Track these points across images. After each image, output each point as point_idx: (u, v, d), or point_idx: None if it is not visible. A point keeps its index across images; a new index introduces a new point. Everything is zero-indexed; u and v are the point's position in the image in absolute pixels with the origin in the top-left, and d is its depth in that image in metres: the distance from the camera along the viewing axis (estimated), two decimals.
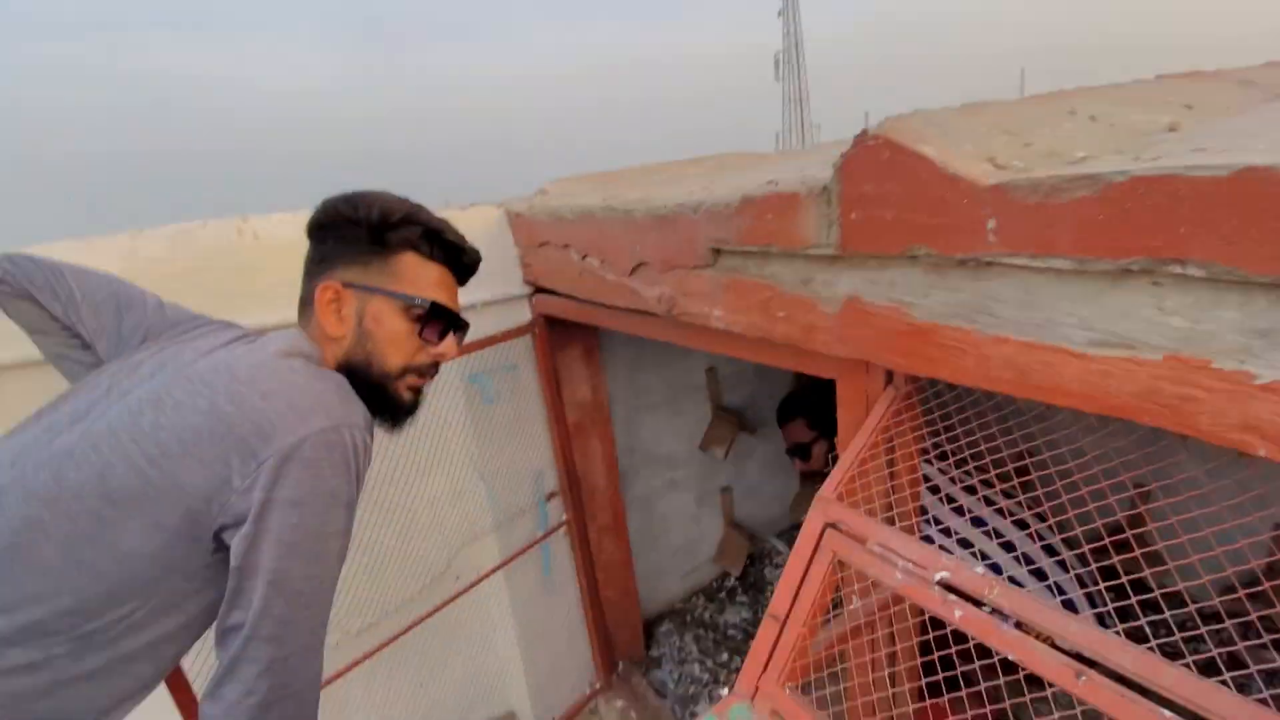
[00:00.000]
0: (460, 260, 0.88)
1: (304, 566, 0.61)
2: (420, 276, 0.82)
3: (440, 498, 1.67)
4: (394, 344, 0.80)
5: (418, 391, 0.85)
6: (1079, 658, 0.47)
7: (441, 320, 0.83)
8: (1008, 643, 0.50)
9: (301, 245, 0.95)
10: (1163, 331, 0.44)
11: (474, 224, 1.51)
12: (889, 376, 0.73)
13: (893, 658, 0.80)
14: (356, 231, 0.80)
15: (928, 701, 0.66)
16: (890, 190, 0.57)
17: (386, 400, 0.82)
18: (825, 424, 1.72)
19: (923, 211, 0.55)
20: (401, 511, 1.61)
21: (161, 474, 0.60)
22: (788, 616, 0.66)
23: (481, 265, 1.39)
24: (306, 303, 0.82)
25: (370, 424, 0.73)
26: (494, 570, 1.69)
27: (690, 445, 2.41)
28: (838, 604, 0.73)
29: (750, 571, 2.52)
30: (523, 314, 1.64)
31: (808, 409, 1.82)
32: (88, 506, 0.59)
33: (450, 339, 0.85)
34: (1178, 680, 0.42)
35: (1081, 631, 0.46)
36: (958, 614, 0.53)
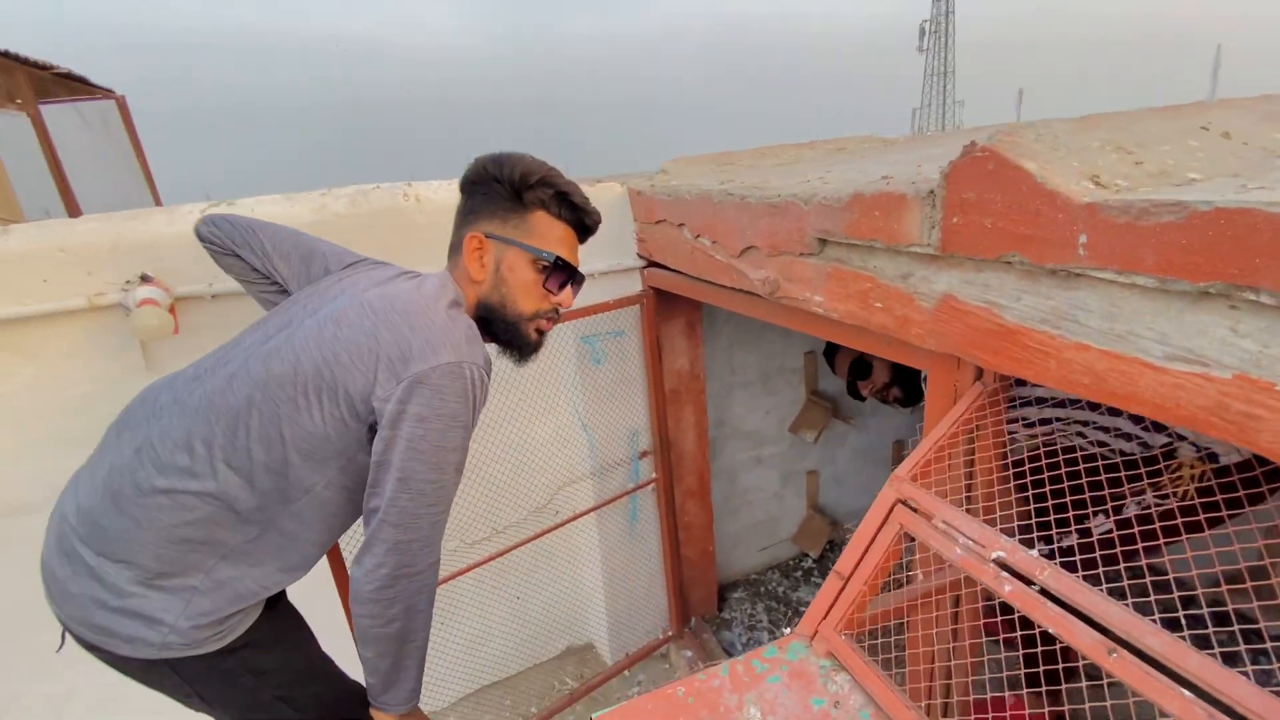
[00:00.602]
0: (584, 222, 0.99)
1: (425, 470, 0.76)
2: (549, 233, 0.95)
3: (548, 442, 1.86)
4: (524, 290, 0.94)
5: (542, 334, 0.98)
6: (1112, 639, 0.52)
7: (563, 273, 0.95)
8: (1050, 618, 0.56)
9: (451, 208, 1.12)
10: (1234, 353, 0.47)
11: (598, 199, 1.64)
12: (979, 372, 0.77)
13: (955, 634, 0.86)
14: (499, 189, 0.93)
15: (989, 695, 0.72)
16: (992, 199, 0.62)
17: (516, 338, 0.96)
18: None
19: (1020, 222, 0.60)
20: (515, 449, 1.81)
21: (334, 376, 0.76)
22: (851, 575, 0.74)
23: (599, 237, 1.54)
24: (455, 249, 0.96)
25: (489, 363, 0.86)
26: (587, 512, 1.86)
27: (780, 425, 2.46)
28: (899, 575, 0.80)
29: (829, 556, 2.56)
30: (634, 285, 1.76)
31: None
32: (286, 393, 0.77)
33: (568, 290, 0.98)
34: (1201, 665, 0.47)
35: (1117, 613, 0.51)
36: (1007, 589, 0.59)
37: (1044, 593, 0.58)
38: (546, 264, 0.94)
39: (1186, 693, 0.47)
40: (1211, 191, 0.49)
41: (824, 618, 0.74)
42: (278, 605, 0.92)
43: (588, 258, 1.44)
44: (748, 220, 1.11)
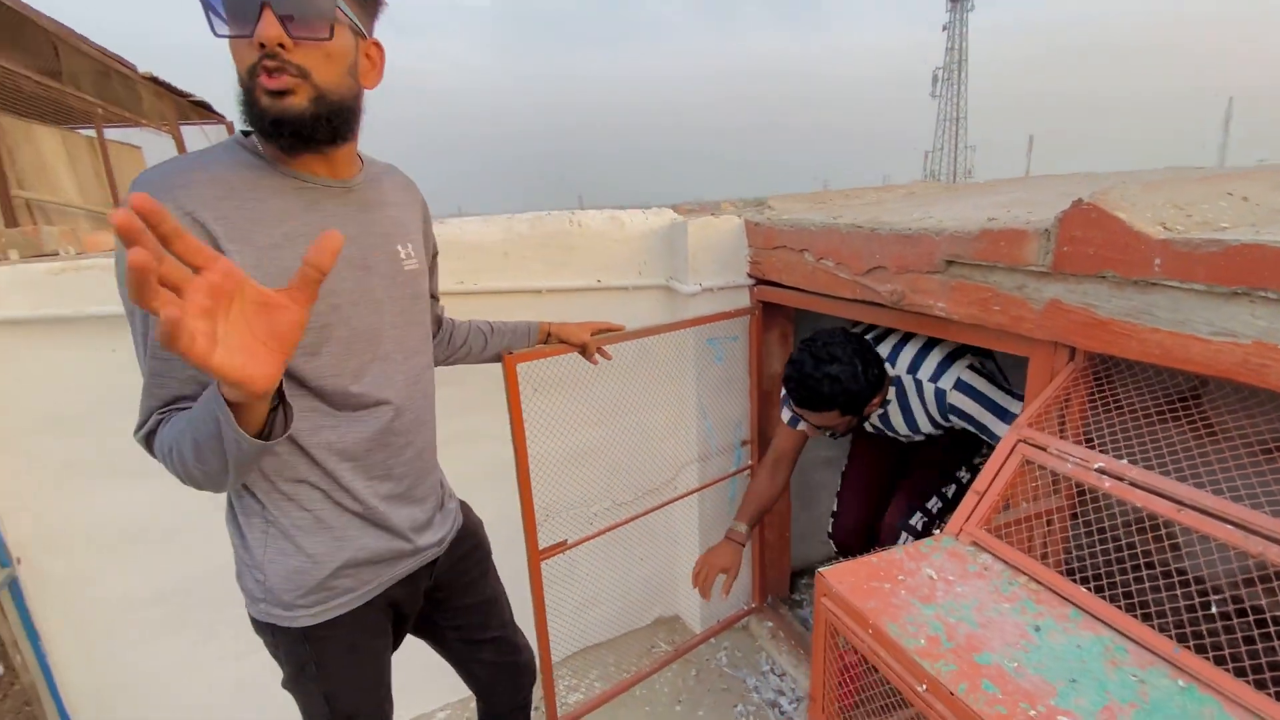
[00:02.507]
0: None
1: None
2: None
3: (663, 428, 2.20)
4: (235, 53, 0.76)
5: (275, 89, 0.75)
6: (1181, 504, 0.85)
7: (236, 9, 0.73)
8: (1137, 496, 0.89)
9: (600, 234, 1.48)
10: (1253, 328, 0.81)
11: (719, 228, 2.01)
12: (1071, 354, 1.11)
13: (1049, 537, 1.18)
14: None
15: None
16: (1092, 236, 0.97)
17: (248, 113, 0.78)
18: (859, 407, 1.55)
19: (1113, 251, 0.94)
20: (634, 433, 2.15)
21: None
22: (985, 492, 1.07)
23: (718, 258, 1.96)
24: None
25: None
26: (692, 492, 2.18)
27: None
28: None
29: None
30: (743, 299, 2.11)
31: (845, 402, 1.52)
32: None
33: (267, 15, 0.72)
34: (1259, 519, 0.79)
35: (1182, 489, 0.84)
36: (1107, 483, 0.92)
37: (1131, 484, 0.91)
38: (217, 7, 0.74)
39: (1232, 527, 0.80)
40: (1237, 234, 0.84)
41: (965, 521, 1.07)
42: None
43: (710, 273, 1.86)
44: (876, 246, 1.46)
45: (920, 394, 1.58)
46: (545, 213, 1.93)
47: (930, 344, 1.58)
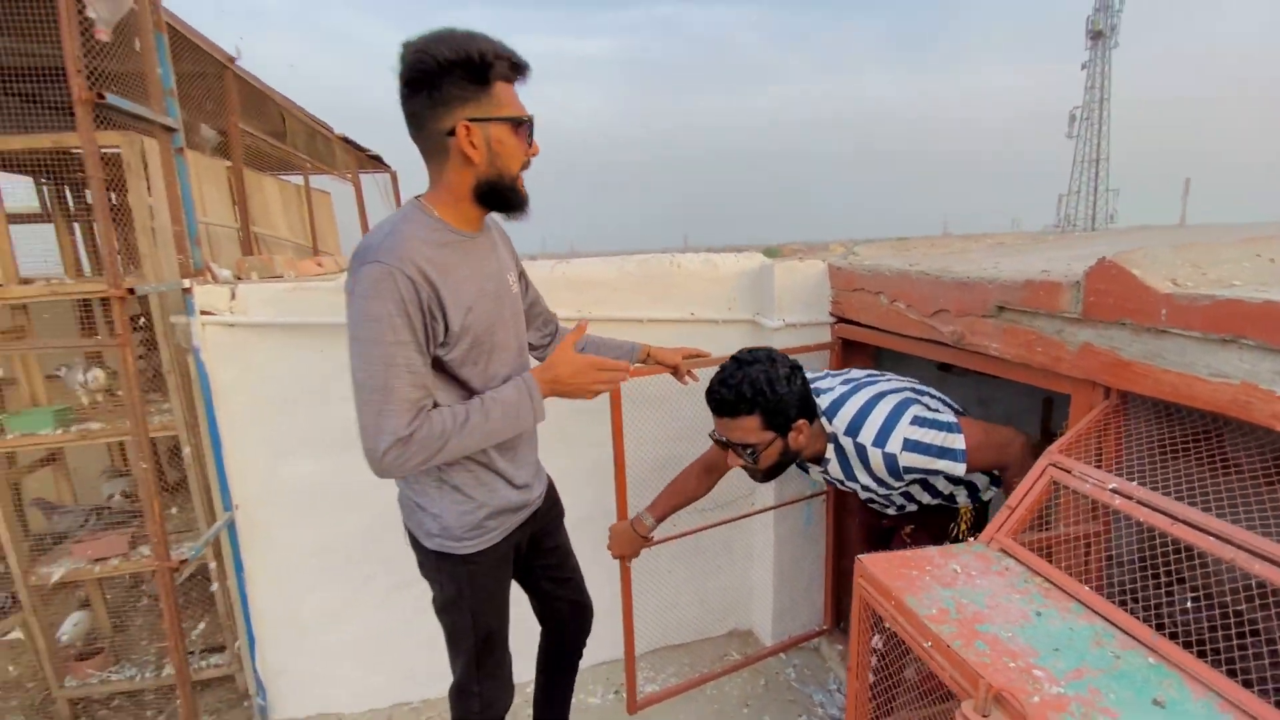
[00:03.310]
0: (522, 69, 1.10)
1: (354, 361, 1.07)
2: (511, 98, 1.09)
3: None
4: (512, 156, 1.10)
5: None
6: (1175, 520, 0.98)
7: (529, 127, 1.11)
8: (1140, 512, 1.03)
9: (697, 275, 1.74)
10: (1240, 370, 0.95)
11: (806, 271, 2.24)
12: (1106, 392, 1.25)
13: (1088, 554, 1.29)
14: (462, 75, 1.02)
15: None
16: (1112, 288, 1.13)
17: (516, 198, 1.14)
18: (780, 423, 1.48)
19: (1129, 302, 1.10)
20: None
21: None
22: (1015, 508, 1.23)
23: (802, 297, 2.18)
24: (440, 148, 1.08)
25: (411, 255, 1.05)
26: (768, 509, 2.37)
27: None
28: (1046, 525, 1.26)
29: None
30: (824, 335, 2.31)
31: (764, 404, 1.45)
32: None
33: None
34: (1242, 536, 0.93)
35: (1178, 507, 0.98)
36: (1117, 501, 1.07)
37: (1138, 502, 1.05)
38: (525, 126, 1.10)
39: (1212, 538, 0.93)
40: (1233, 291, 0.98)
41: (996, 531, 1.23)
42: None
43: (795, 310, 2.09)
44: (940, 292, 1.64)
45: (865, 459, 1.51)
46: (650, 255, 2.26)
47: (871, 403, 1.52)
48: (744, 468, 1.57)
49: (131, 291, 1.62)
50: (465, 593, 1.31)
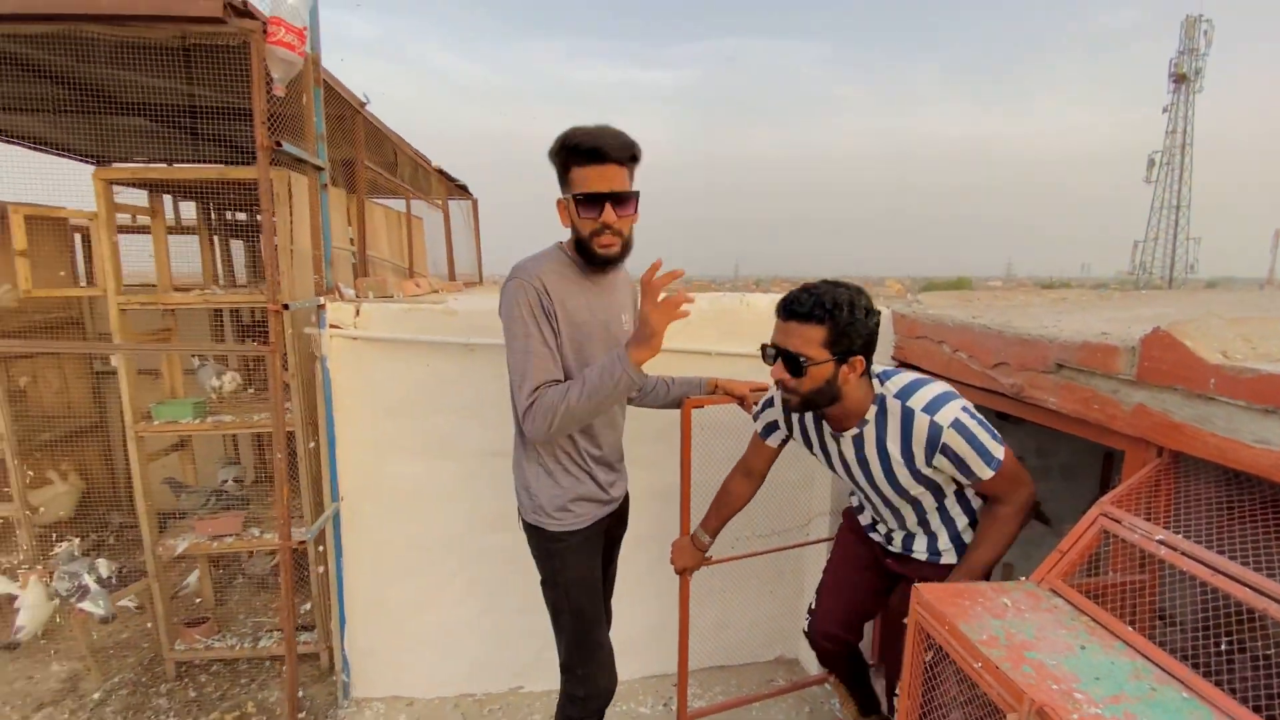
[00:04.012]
0: (602, 152, 1.33)
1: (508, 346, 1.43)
2: (582, 180, 1.36)
3: (798, 480, 2.54)
4: (580, 223, 1.40)
5: (605, 246, 1.41)
6: (1218, 572, 1.08)
7: (595, 202, 1.35)
8: (1182, 563, 1.12)
9: (769, 312, 1.91)
10: None
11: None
12: (1159, 451, 1.35)
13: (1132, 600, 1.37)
14: (555, 167, 1.41)
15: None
16: (1166, 356, 1.24)
17: (588, 252, 1.42)
18: (843, 348, 1.42)
19: (1181, 369, 1.21)
20: (774, 479, 2.51)
21: None
22: (1066, 552, 1.33)
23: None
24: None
25: (541, 273, 1.40)
26: (822, 540, 2.47)
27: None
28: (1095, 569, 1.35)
29: None
30: None
31: (837, 320, 1.40)
32: None
33: (608, 209, 1.35)
34: (1263, 582, 1.02)
35: (1220, 560, 1.07)
36: (1163, 551, 1.16)
37: (1182, 553, 1.14)
38: (580, 200, 1.37)
39: (1248, 590, 1.02)
40: (1273, 367, 1.08)
41: (1047, 573, 1.33)
42: None
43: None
44: (1002, 346, 1.75)
45: (908, 425, 1.46)
46: (721, 293, 2.44)
47: (926, 380, 1.51)
48: (783, 385, 1.50)
49: (286, 307, 1.90)
50: (558, 568, 1.55)
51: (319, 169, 2.13)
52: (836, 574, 1.95)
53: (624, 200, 1.38)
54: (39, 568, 2.58)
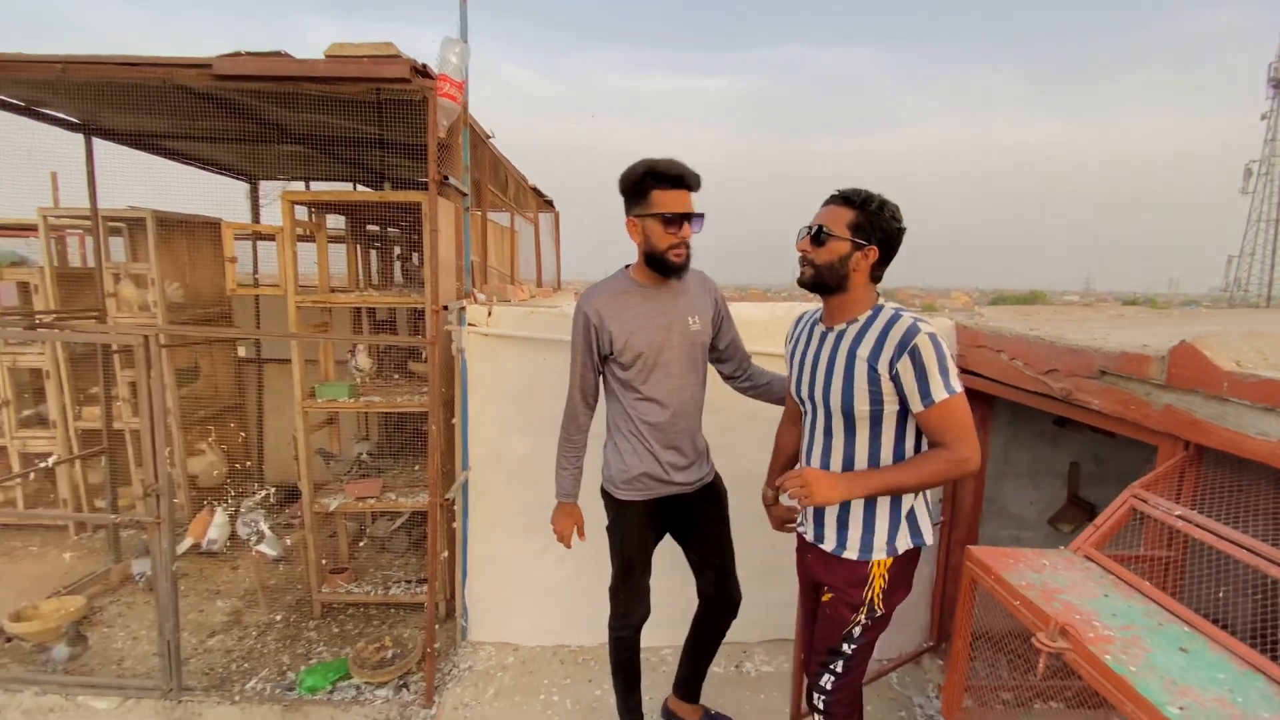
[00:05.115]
0: (681, 179, 1.69)
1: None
2: (662, 201, 1.69)
3: None
4: (658, 237, 1.71)
5: (680, 255, 1.74)
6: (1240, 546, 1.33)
7: (675, 220, 1.70)
8: (1195, 531, 1.37)
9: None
10: (1278, 431, 1.29)
11: (936, 327, 2.62)
12: (1186, 445, 1.59)
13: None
14: (628, 190, 1.74)
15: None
16: (1189, 363, 1.49)
17: (665, 264, 1.74)
18: (863, 235, 1.51)
19: (1200, 375, 1.46)
20: None
21: None
22: (1100, 526, 1.58)
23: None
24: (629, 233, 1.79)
25: (599, 300, 1.80)
26: None
27: (1040, 516, 3.06)
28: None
29: None
30: None
31: (867, 210, 1.51)
32: None
33: (685, 226, 1.71)
34: (1260, 547, 1.27)
35: (1227, 529, 1.32)
36: (1179, 523, 1.42)
37: (1194, 524, 1.39)
38: (665, 219, 1.70)
39: (1246, 551, 1.27)
40: (1273, 373, 1.33)
41: (1083, 543, 1.59)
42: None
43: None
44: (1054, 354, 2.00)
45: (889, 327, 1.50)
46: (795, 303, 2.75)
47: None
48: (803, 256, 1.58)
49: (445, 308, 2.34)
50: (617, 524, 1.98)
51: (463, 194, 2.58)
52: (801, 591, 1.94)
53: (696, 219, 1.74)
54: (219, 505, 3.16)
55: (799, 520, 1.81)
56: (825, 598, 1.69)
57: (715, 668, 2.80)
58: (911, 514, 1.60)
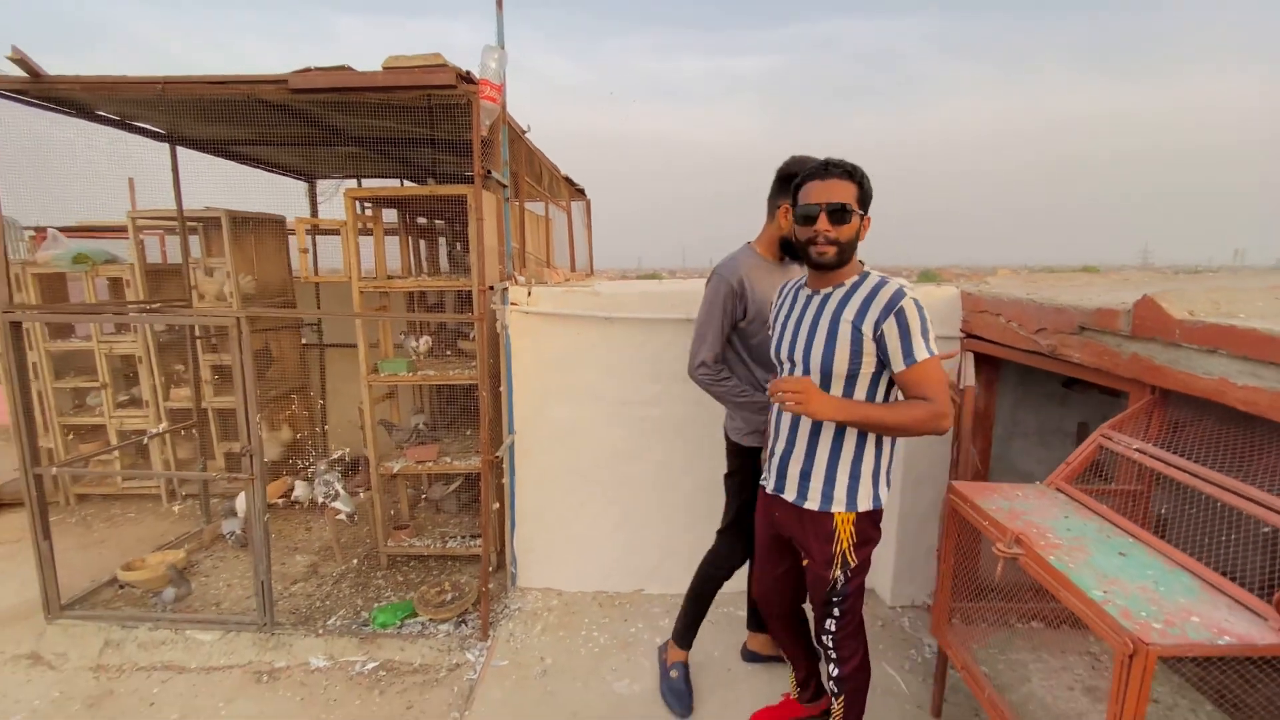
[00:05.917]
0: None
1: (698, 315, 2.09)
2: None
3: None
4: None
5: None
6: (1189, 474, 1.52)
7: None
8: (1149, 461, 1.57)
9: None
10: (1219, 370, 1.47)
11: (940, 295, 2.81)
12: (1152, 389, 1.77)
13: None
14: (786, 183, 1.91)
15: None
16: (1148, 314, 1.67)
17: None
18: (865, 205, 1.60)
19: (1158, 324, 1.64)
20: None
21: None
22: (1071, 463, 1.78)
23: (936, 316, 2.75)
24: (771, 213, 2.01)
25: (739, 272, 2.00)
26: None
27: (1049, 473, 3.21)
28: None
29: None
30: (955, 346, 2.85)
31: (863, 183, 1.59)
32: None
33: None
34: (1217, 477, 1.46)
35: (1182, 461, 1.52)
36: (1135, 455, 1.61)
37: (1150, 456, 1.58)
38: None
39: (1199, 480, 1.47)
40: (1221, 319, 1.51)
41: (1054, 478, 1.79)
42: None
43: (935, 328, 2.63)
44: (1043, 314, 2.18)
45: (876, 291, 1.58)
46: None
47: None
48: (825, 237, 1.60)
49: (492, 288, 2.63)
50: (737, 470, 2.21)
51: (503, 186, 2.86)
52: (760, 540, 2.03)
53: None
54: (295, 476, 3.55)
55: (763, 474, 1.93)
56: (805, 562, 1.85)
57: (739, 611, 3.07)
58: (875, 475, 1.70)
